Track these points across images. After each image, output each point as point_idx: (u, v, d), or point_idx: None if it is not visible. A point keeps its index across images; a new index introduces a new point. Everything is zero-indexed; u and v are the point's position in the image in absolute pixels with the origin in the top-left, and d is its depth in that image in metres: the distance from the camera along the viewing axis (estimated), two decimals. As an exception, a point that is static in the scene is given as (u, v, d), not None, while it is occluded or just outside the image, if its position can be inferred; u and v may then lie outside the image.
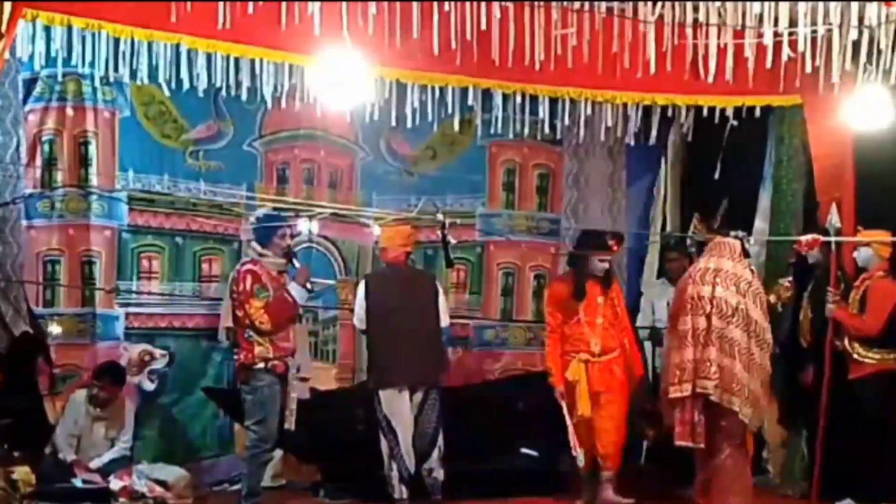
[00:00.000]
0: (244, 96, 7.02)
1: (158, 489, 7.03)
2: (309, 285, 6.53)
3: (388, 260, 6.99)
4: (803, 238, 7.38)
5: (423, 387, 6.72)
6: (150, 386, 7.68)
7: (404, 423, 6.62)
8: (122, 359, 7.61)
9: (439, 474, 6.65)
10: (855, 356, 7.05)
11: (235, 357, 6.43)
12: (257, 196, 7.82)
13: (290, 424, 6.41)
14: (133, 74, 6.80)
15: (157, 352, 7.73)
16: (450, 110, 7.31)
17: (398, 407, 6.62)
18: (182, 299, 7.93)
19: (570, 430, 6.81)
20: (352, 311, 7.22)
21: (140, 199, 7.81)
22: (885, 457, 6.84)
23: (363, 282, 6.98)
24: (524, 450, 7.53)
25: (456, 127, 7.67)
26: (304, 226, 7.38)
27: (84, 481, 7.02)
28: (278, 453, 7.23)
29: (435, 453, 6.67)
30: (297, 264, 6.56)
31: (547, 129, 7.81)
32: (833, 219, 7.07)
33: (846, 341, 7.07)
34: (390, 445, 6.61)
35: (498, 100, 7.40)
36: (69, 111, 7.67)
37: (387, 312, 6.75)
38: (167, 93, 7.03)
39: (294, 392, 6.44)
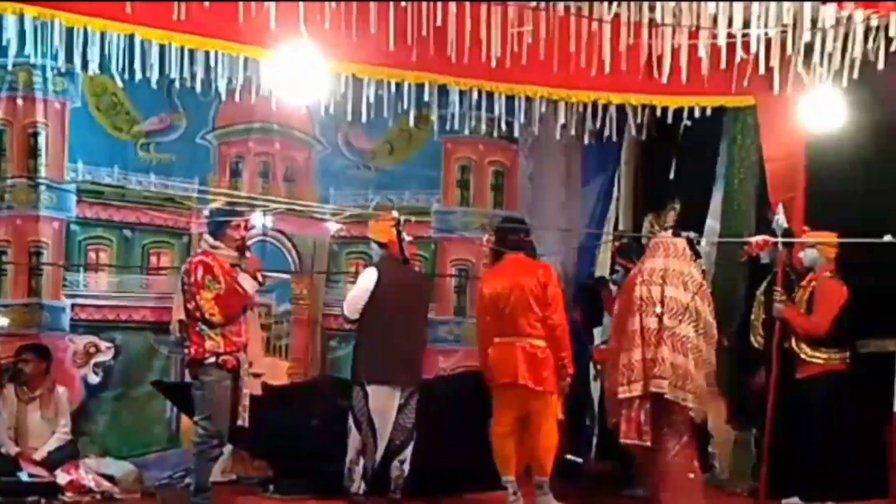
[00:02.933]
0: (198, 88, 6.94)
1: (106, 483, 6.98)
2: (260, 276, 6.48)
3: (394, 254, 6.82)
4: (754, 239, 7.48)
5: (412, 386, 6.68)
6: (95, 378, 7.60)
7: (388, 420, 6.57)
8: (68, 351, 7.54)
9: (407, 467, 6.61)
10: (802, 356, 7.15)
11: (186, 351, 6.37)
12: (210, 189, 7.74)
13: (242, 421, 6.36)
14: (85, 65, 6.69)
15: (103, 344, 7.65)
16: (406, 105, 7.30)
17: (387, 403, 6.57)
18: (129, 292, 7.83)
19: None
20: (305, 304, 7.22)
21: (90, 192, 7.70)
22: (832, 455, 6.94)
23: (373, 270, 6.77)
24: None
25: (412, 123, 7.65)
26: (258, 220, 7.33)
27: (30, 475, 6.90)
28: (228, 448, 7.17)
29: (409, 447, 6.64)
30: (247, 256, 6.50)
31: (503, 127, 7.78)
32: (780, 219, 7.15)
33: (793, 341, 7.16)
34: (364, 440, 6.54)
35: (454, 96, 7.39)
36: (19, 101, 7.54)
37: (389, 307, 6.63)
38: (120, 84, 6.91)
39: (246, 388, 6.38)
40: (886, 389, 6.45)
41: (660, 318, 6.63)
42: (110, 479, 7.01)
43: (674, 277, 6.71)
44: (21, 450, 7.09)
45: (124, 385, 7.72)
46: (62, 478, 6.90)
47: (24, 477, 6.90)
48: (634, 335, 6.67)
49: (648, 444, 6.59)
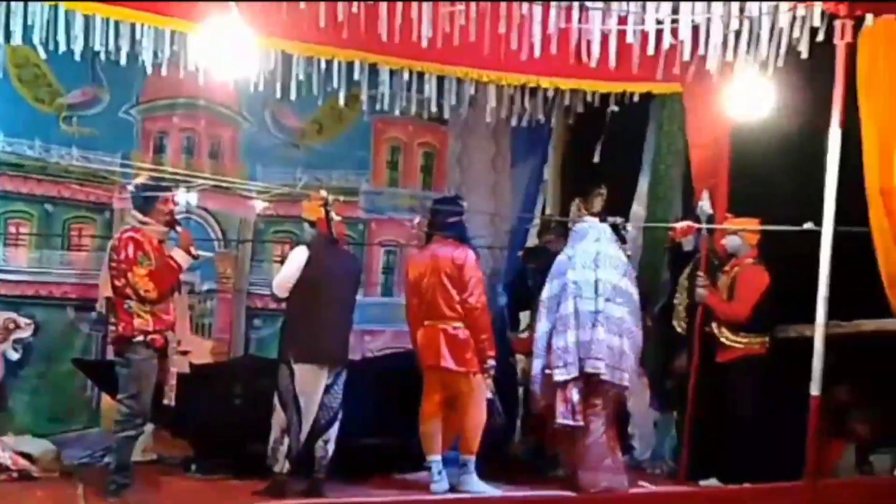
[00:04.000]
0: (123, 62, 6.79)
1: (23, 462, 6.82)
2: (193, 250, 6.40)
3: (325, 232, 6.76)
4: (678, 225, 7.60)
5: (339, 366, 6.63)
6: (14, 355, 7.44)
7: (314, 400, 6.50)
8: (-14, 326, 7.38)
9: (332, 447, 6.58)
10: (723, 340, 7.28)
11: (113, 328, 6.25)
12: (133, 164, 7.61)
13: (169, 400, 6.30)
14: (7, 36, 6.50)
15: (23, 320, 7.49)
16: (336, 84, 7.25)
17: (313, 383, 6.50)
18: (50, 268, 7.68)
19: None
20: (229, 283, 7.11)
21: (10, 164, 7.52)
22: (749, 439, 7.07)
23: (303, 249, 6.68)
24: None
25: (342, 102, 7.58)
26: (182, 197, 7.23)
27: (-54, 453, 6.77)
28: (149, 427, 7.08)
29: (334, 428, 6.60)
30: (178, 230, 6.43)
31: (433, 108, 7.76)
32: (704, 205, 7.28)
33: (715, 326, 7.28)
34: (289, 419, 6.47)
35: (385, 76, 7.35)
36: (-62, 72, 7.36)
37: (319, 286, 6.57)
38: (43, 56, 6.73)
39: (174, 366, 6.31)
40: (804, 374, 6.58)
41: (595, 300, 6.74)
42: (28, 457, 6.85)
43: (605, 260, 6.86)
44: (-65, 428, 6.95)
45: (44, 362, 7.57)
46: (-21, 455, 6.77)
47: (-61, 455, 6.75)
48: (569, 318, 6.78)
49: (582, 424, 6.72)
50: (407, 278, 7.04)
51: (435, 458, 6.72)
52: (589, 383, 6.76)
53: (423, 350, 6.81)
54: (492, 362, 6.74)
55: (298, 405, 6.50)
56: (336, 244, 6.84)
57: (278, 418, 6.53)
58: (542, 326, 6.94)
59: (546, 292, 6.99)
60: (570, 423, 6.74)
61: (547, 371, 6.80)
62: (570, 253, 6.97)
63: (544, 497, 6.67)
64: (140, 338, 6.15)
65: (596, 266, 6.82)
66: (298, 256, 6.66)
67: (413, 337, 6.98)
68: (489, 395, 6.77)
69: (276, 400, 6.56)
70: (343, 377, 6.69)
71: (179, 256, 6.34)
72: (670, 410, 7.82)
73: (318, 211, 6.80)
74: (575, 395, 6.75)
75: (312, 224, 6.82)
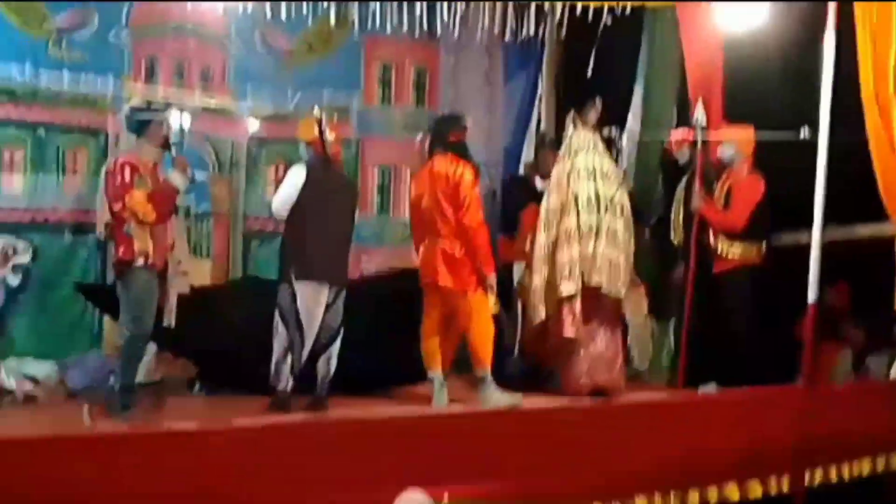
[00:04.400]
0: (110, -17, 6.74)
1: (28, 385, 6.88)
2: (189, 172, 6.39)
3: (320, 153, 6.74)
4: (673, 135, 7.62)
5: (339, 284, 6.66)
6: (14, 280, 7.44)
7: (316, 318, 6.54)
8: (-15, 253, 7.38)
9: (334, 363, 6.64)
10: (719, 250, 7.32)
11: (113, 253, 6.24)
12: (125, 87, 7.56)
13: (169, 321, 6.32)
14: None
15: (21, 245, 7.47)
16: (325, 3, 7.17)
17: (314, 301, 6.53)
18: (46, 193, 7.65)
19: None
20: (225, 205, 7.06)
21: (1, 90, 7.44)
22: (746, 344, 7.18)
23: (301, 168, 6.67)
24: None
25: (332, 21, 7.52)
26: (175, 119, 7.18)
27: (-52, 378, 6.80)
28: (152, 349, 7.14)
29: (335, 346, 6.65)
30: (173, 152, 6.41)
31: (425, 26, 7.68)
32: (699, 115, 7.27)
33: (711, 236, 7.33)
34: (291, 338, 6.51)
35: (375, -7, 7.31)
36: (-76, -3, 7.25)
37: (318, 205, 6.57)
38: (29, -21, 6.67)
39: (174, 288, 6.33)
40: (800, 281, 6.66)
41: (597, 213, 6.82)
42: (33, 380, 6.91)
43: (603, 173, 6.91)
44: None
45: (44, 287, 7.55)
46: (-18, 380, 6.81)
47: (-58, 380, 6.79)
48: (571, 232, 6.83)
49: (583, 336, 6.83)
50: (410, 195, 7.03)
51: (436, 374, 6.78)
52: (589, 296, 6.84)
53: (423, 268, 6.82)
54: (492, 280, 6.72)
55: (300, 324, 6.54)
56: (332, 164, 6.83)
57: (280, 337, 6.58)
58: (542, 239, 6.98)
59: (546, 205, 7.02)
60: (575, 336, 6.84)
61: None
62: (569, 167, 6.98)
63: (555, 408, 6.74)
64: (140, 261, 6.15)
65: (595, 180, 6.87)
66: (296, 176, 6.64)
67: (416, 254, 6.99)
68: (495, 310, 6.78)
69: (277, 319, 6.59)
70: (343, 296, 6.72)
71: (176, 179, 6.32)
72: (667, 320, 7.91)
73: (312, 131, 6.78)
74: (578, 307, 6.83)
75: (308, 144, 6.80)
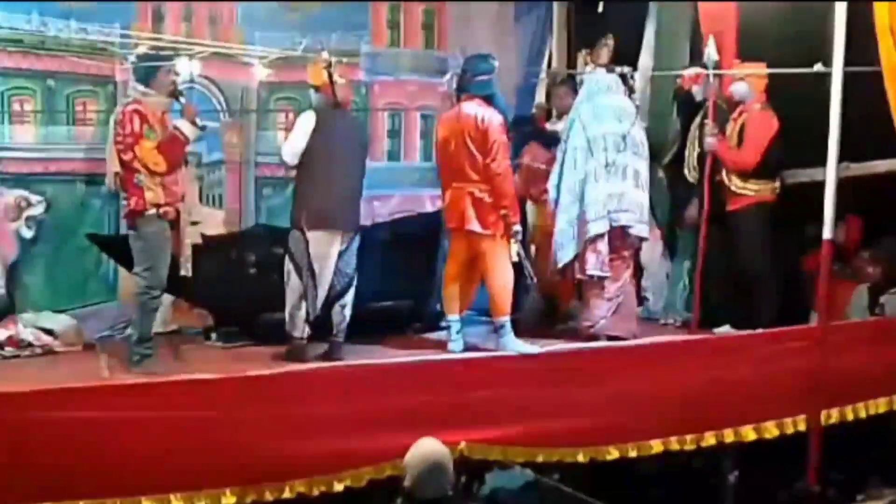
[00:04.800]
0: (114, -72, 6.64)
1: (46, 337, 6.90)
2: (198, 121, 6.35)
3: (331, 97, 6.65)
4: (686, 72, 7.53)
5: (352, 231, 6.63)
6: (28, 233, 7.44)
7: (329, 265, 6.51)
8: (-1, 205, 7.37)
9: (349, 311, 6.64)
10: (733, 188, 7.26)
11: (125, 203, 6.22)
12: (133, 35, 7.50)
13: (185, 270, 6.33)
14: None
15: (34, 197, 7.43)
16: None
17: (327, 248, 6.49)
18: (57, 144, 7.62)
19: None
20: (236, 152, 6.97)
21: (8, 40, 7.35)
22: (760, 285, 7.16)
23: (311, 114, 6.59)
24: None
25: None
26: (184, 66, 7.13)
27: (-34, 332, 6.84)
28: (168, 299, 7.16)
29: (350, 292, 6.64)
30: (182, 101, 6.36)
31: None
32: (710, 52, 7.18)
33: (724, 174, 7.27)
34: (305, 285, 6.49)
35: (382, -69, 7.20)
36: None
37: (328, 151, 6.49)
38: (31, -74, 6.57)
39: (188, 238, 6.32)
40: (815, 218, 6.61)
41: (622, 152, 6.84)
42: (50, 332, 6.94)
43: (625, 112, 6.90)
44: (-45, 308, 7.01)
45: (58, 238, 7.54)
46: (0, 333, 6.82)
47: (-40, 334, 6.82)
48: (599, 171, 6.83)
49: (609, 273, 6.90)
50: (436, 138, 6.95)
51: (454, 318, 6.77)
52: (614, 235, 6.88)
53: (449, 212, 6.73)
54: (517, 227, 6.65)
55: (313, 271, 6.52)
56: (341, 108, 6.77)
57: (294, 285, 6.55)
58: (572, 177, 6.96)
59: (572, 144, 6.98)
60: (600, 273, 6.87)
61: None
62: (590, 106, 6.95)
63: (571, 351, 6.77)
64: (152, 211, 6.13)
65: (619, 119, 6.86)
66: (306, 122, 6.59)
67: (442, 197, 6.92)
68: (516, 258, 6.74)
69: (290, 267, 6.57)
70: (356, 242, 6.70)
71: (186, 127, 6.27)
72: (682, 262, 7.89)
73: (322, 75, 6.71)
74: (605, 246, 6.86)
75: (317, 89, 6.73)
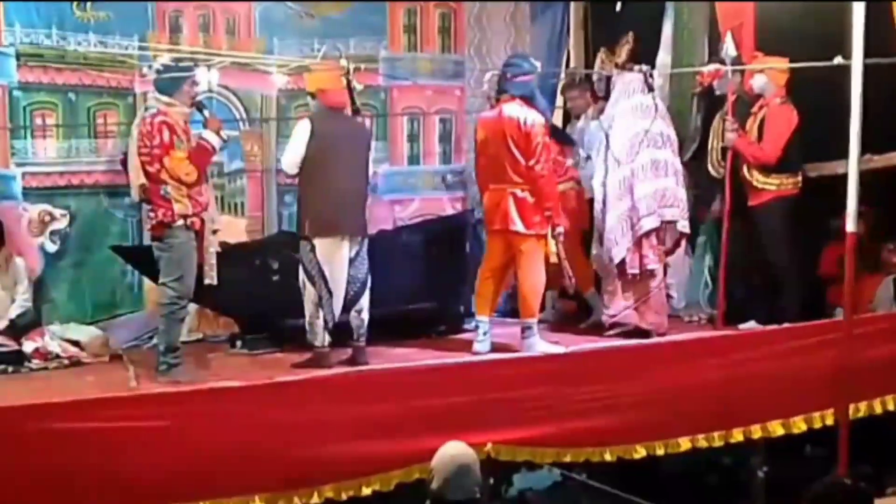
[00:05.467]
0: (129, -59, 6.67)
1: (73, 349, 6.94)
2: (224, 134, 6.37)
3: (330, 104, 6.66)
4: (706, 68, 7.51)
5: (359, 236, 6.60)
6: (52, 247, 7.49)
7: (340, 272, 6.49)
8: (23, 220, 7.39)
9: (366, 316, 6.63)
10: (754, 183, 7.23)
11: (152, 215, 6.24)
12: (151, 46, 7.55)
13: (211, 279, 6.32)
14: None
15: (58, 211, 7.49)
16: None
17: (335, 255, 6.47)
18: (79, 156, 7.67)
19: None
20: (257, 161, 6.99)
21: (29, 55, 7.41)
22: (785, 280, 7.13)
23: (305, 123, 6.57)
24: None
25: (355, -32, 7.43)
26: (203, 76, 7.15)
27: (-5, 345, 6.89)
28: (193, 307, 7.19)
29: (365, 297, 6.62)
30: (206, 114, 6.39)
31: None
32: (728, 47, 7.15)
33: (746, 169, 7.24)
34: (319, 293, 6.46)
35: (396, -63, 7.20)
36: (-55, -34, 7.22)
37: (328, 158, 6.46)
38: (48, -60, 6.61)
39: (212, 247, 6.34)
40: (838, 212, 6.57)
41: (663, 150, 7.00)
42: (77, 344, 6.97)
43: (661, 113, 7.10)
44: (-17, 322, 7.04)
45: (83, 251, 7.60)
46: (28, 346, 6.85)
47: (-12, 347, 6.87)
48: (645, 168, 6.91)
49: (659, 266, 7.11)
50: (476, 138, 6.95)
51: (483, 319, 6.77)
52: (658, 231, 7.04)
53: (490, 213, 6.73)
54: (560, 229, 6.68)
55: (326, 279, 6.48)
56: (344, 111, 6.71)
57: (309, 294, 6.51)
58: (617, 175, 7.01)
59: (618, 140, 7.03)
60: (655, 266, 7.03)
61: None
62: (628, 105, 7.06)
63: (597, 351, 6.76)
64: (181, 222, 6.15)
65: (655, 117, 6.97)
66: (301, 131, 6.53)
67: (481, 198, 6.94)
68: (556, 259, 6.75)
69: (304, 276, 6.52)
70: (365, 247, 6.64)
71: (211, 137, 6.29)
72: (703, 258, 7.87)
73: (319, 82, 6.70)
74: (655, 241, 7.03)
75: (313, 96, 6.73)
